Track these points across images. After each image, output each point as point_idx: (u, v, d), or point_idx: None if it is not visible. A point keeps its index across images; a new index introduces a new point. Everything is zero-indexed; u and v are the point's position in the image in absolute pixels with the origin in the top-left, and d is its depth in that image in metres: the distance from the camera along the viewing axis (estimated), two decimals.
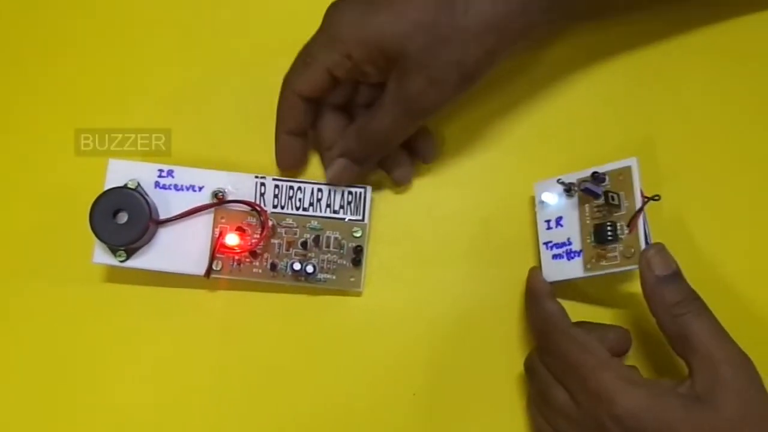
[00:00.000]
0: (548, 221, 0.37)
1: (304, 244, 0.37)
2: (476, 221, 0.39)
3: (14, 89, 0.41)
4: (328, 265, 0.37)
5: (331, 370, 0.38)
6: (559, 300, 0.35)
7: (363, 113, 0.37)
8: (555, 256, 0.37)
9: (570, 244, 0.36)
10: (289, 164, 0.38)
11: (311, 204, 0.38)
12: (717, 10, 0.40)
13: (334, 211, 0.38)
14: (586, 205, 0.36)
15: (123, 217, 0.36)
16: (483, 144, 0.40)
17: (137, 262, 0.37)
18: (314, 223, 0.37)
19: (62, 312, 0.39)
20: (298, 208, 0.38)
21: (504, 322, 0.38)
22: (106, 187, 0.36)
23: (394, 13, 0.33)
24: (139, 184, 0.37)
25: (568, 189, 0.36)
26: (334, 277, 0.37)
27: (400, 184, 0.39)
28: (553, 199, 0.37)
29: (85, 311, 0.39)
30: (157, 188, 0.37)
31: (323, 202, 0.38)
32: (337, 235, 0.37)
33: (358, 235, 0.37)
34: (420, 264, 0.39)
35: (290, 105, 0.36)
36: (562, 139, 0.40)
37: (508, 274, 0.39)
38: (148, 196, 0.36)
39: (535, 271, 0.37)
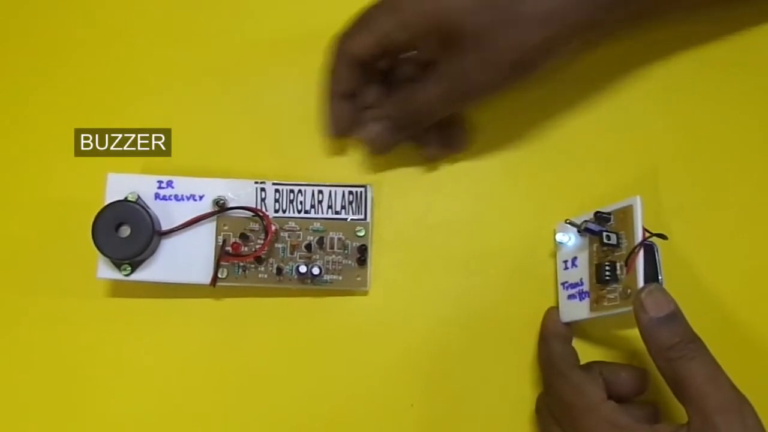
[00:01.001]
0: (566, 261, 0.37)
1: (309, 247, 0.37)
2: (484, 224, 0.39)
3: (14, 89, 0.41)
4: (334, 266, 0.37)
5: (342, 371, 0.38)
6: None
7: (407, 85, 0.37)
8: (570, 297, 0.36)
9: (582, 284, 0.36)
10: (343, 128, 0.38)
11: (312, 206, 0.38)
12: (731, 37, 0.40)
13: (336, 212, 0.38)
14: (594, 245, 0.35)
15: (125, 231, 0.36)
16: (484, 150, 0.40)
17: (142, 274, 0.37)
18: (317, 225, 0.37)
19: (68, 328, 0.39)
20: (299, 211, 0.38)
21: (511, 325, 0.38)
22: (106, 202, 0.36)
23: None
24: (139, 197, 0.36)
25: (579, 229, 0.36)
26: (340, 278, 0.37)
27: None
28: (567, 239, 0.37)
29: (91, 326, 0.39)
30: (158, 200, 0.37)
31: (324, 204, 0.38)
32: (341, 236, 0.37)
33: (361, 234, 0.37)
34: (426, 261, 0.39)
35: (345, 66, 0.36)
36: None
37: (511, 278, 0.39)
38: (149, 208, 0.36)
39: (551, 311, 0.37)
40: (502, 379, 0.38)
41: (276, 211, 0.37)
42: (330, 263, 0.37)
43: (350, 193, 0.38)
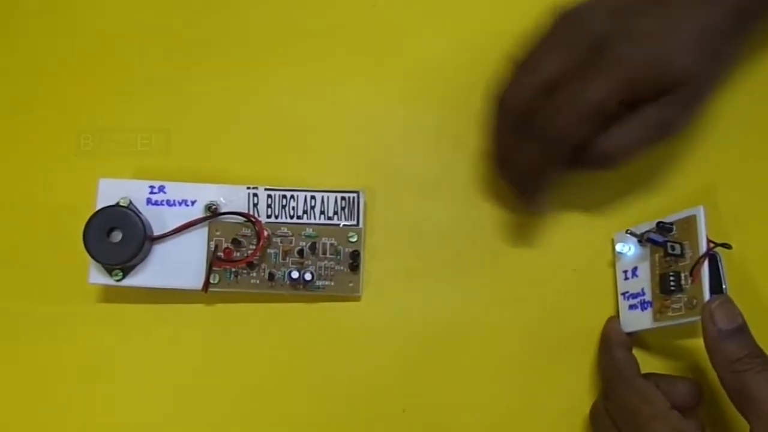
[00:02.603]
0: (625, 272, 0.37)
1: (301, 252, 0.37)
2: (476, 231, 0.39)
3: (9, 92, 0.41)
4: (326, 272, 0.37)
5: (334, 377, 0.38)
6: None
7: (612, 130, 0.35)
8: (631, 307, 0.37)
9: (644, 294, 0.36)
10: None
11: (305, 212, 0.38)
12: None
13: (329, 218, 0.38)
14: (656, 255, 0.35)
15: (117, 236, 0.35)
16: (477, 156, 0.40)
17: (134, 280, 0.37)
18: (309, 230, 0.37)
19: (59, 333, 0.38)
20: (292, 217, 0.38)
21: (501, 332, 0.38)
22: (98, 207, 0.36)
23: (673, 41, 0.33)
24: (131, 202, 0.36)
25: (641, 240, 0.36)
26: (332, 284, 0.37)
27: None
28: (627, 249, 0.37)
29: (82, 332, 0.38)
30: (150, 205, 0.37)
31: (317, 209, 0.38)
32: (333, 241, 0.37)
33: (353, 240, 0.37)
34: (419, 268, 0.39)
35: (567, 152, 0.34)
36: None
37: (502, 284, 0.39)
38: (141, 213, 0.36)
39: (612, 320, 0.37)
40: (493, 385, 0.38)
41: (268, 217, 0.37)
42: (322, 269, 0.37)
43: (343, 198, 0.38)
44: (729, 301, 0.32)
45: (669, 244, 0.34)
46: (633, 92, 0.33)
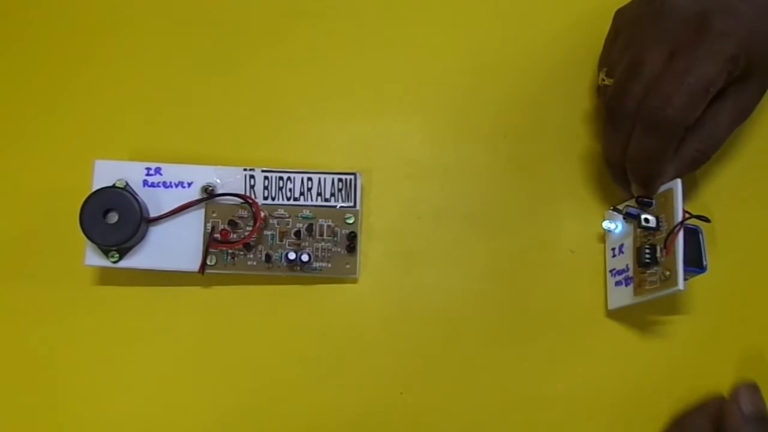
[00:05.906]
0: (614, 249, 0.38)
1: (298, 234, 0.37)
2: (472, 213, 0.39)
3: (6, 75, 0.41)
4: (323, 254, 0.37)
5: (331, 358, 0.38)
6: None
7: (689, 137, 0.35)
8: (617, 283, 0.37)
9: (627, 270, 0.36)
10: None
11: (302, 193, 0.38)
12: None
13: (326, 200, 0.38)
14: (638, 229, 0.36)
15: (113, 217, 0.35)
16: (474, 140, 0.40)
17: (130, 262, 0.36)
18: (306, 212, 0.37)
19: (55, 315, 0.38)
20: (289, 198, 0.38)
21: (498, 314, 0.38)
22: (94, 189, 0.36)
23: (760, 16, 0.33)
24: (127, 184, 0.36)
25: (624, 216, 0.36)
26: (329, 265, 0.37)
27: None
28: (615, 226, 0.37)
29: (78, 314, 0.38)
30: (146, 186, 0.37)
31: (314, 191, 0.38)
32: (330, 223, 0.37)
33: (350, 222, 0.37)
34: (415, 249, 0.39)
35: (676, 139, 0.34)
36: None
37: (496, 268, 0.39)
38: (137, 194, 0.36)
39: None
40: (490, 368, 0.38)
41: (265, 198, 0.37)
42: (319, 250, 0.37)
43: (340, 180, 0.38)
44: (757, 389, 0.32)
45: (642, 216, 0.34)
46: (735, 68, 0.33)
